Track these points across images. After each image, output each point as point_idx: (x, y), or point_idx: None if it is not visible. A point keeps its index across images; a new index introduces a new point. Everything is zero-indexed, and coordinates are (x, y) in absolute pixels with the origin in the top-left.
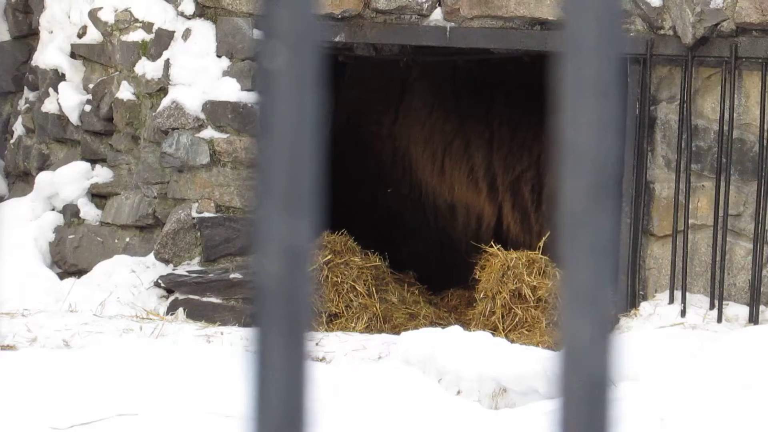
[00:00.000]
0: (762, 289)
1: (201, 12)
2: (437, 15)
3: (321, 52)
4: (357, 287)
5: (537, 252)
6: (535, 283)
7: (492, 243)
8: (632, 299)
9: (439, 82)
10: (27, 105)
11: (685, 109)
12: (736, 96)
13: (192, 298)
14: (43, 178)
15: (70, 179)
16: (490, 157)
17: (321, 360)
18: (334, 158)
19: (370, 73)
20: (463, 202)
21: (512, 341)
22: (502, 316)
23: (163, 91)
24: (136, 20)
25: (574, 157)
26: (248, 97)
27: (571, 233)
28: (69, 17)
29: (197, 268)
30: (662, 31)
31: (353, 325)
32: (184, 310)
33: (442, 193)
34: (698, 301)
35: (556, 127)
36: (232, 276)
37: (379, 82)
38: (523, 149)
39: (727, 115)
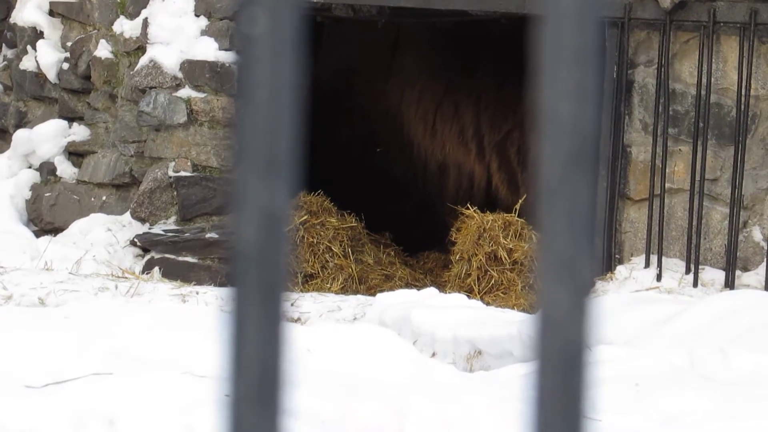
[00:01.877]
0: (738, 254)
1: None
2: None
3: (301, 16)
4: (333, 248)
5: (513, 215)
6: (511, 246)
7: (473, 204)
8: (608, 263)
9: (427, 44)
10: (5, 62)
11: (662, 73)
12: (714, 60)
13: (168, 257)
14: (20, 136)
15: (47, 137)
16: (477, 117)
17: (296, 321)
18: (320, 117)
19: (354, 33)
20: (455, 162)
21: (488, 304)
22: (478, 279)
23: (140, 49)
24: None
25: (551, 125)
26: (226, 57)
27: (549, 201)
28: None
29: (173, 227)
30: None
31: (329, 285)
32: (160, 269)
33: (433, 153)
34: (674, 266)
35: (534, 94)
36: (208, 236)
37: (368, 42)
38: (508, 110)
39: (704, 80)
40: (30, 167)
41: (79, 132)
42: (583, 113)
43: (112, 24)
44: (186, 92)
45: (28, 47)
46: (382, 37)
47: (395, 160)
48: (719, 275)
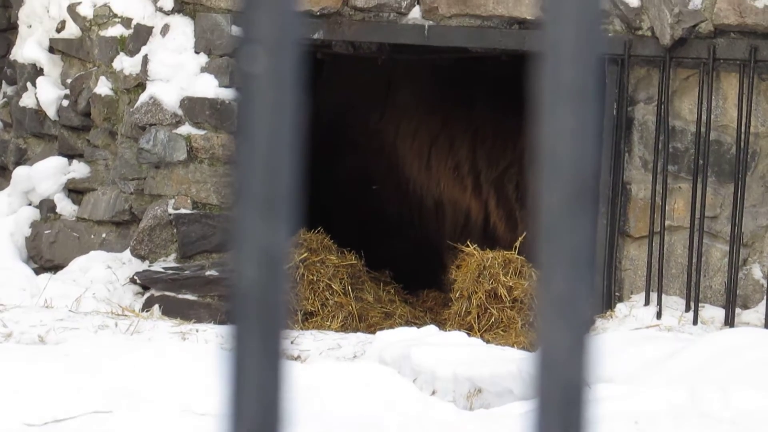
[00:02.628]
0: (738, 291)
1: (180, 8)
2: (416, 13)
3: (301, 54)
4: (333, 285)
5: (513, 252)
6: (511, 284)
7: (468, 242)
8: (608, 300)
9: (423, 79)
10: (5, 99)
11: (662, 110)
12: (713, 97)
13: (168, 295)
14: (20, 173)
15: (47, 174)
16: (474, 152)
17: (296, 359)
18: (318, 156)
19: (353, 69)
20: (451, 198)
21: (488, 341)
22: (478, 316)
23: (140, 86)
24: (115, 15)
25: (551, 163)
26: (226, 94)
27: (549, 239)
28: (48, 11)
29: (173, 264)
30: (640, 32)
31: (329, 323)
32: (160, 306)
33: (429, 189)
34: (674, 303)
35: (533, 132)
36: (208, 273)
37: (364, 78)
38: (506, 144)
39: (704, 117)
40: (30, 204)
41: (79, 169)
42: (583, 151)
43: (112, 61)
44: (186, 129)
45: (28, 84)
46: (376, 73)
47: (391, 197)
48: (719, 313)
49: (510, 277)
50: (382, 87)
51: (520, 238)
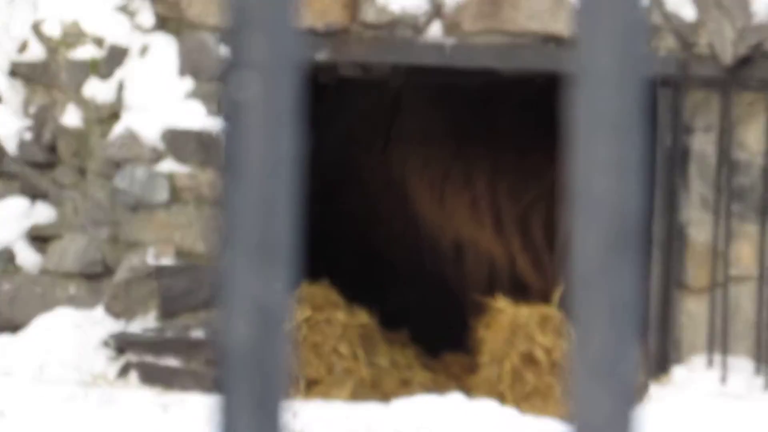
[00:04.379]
0: None
1: (161, 25)
2: (435, 30)
3: (301, 79)
4: (340, 348)
5: (551, 306)
6: (549, 345)
7: (496, 291)
8: (663, 363)
9: (433, 100)
10: None
11: (724, 140)
12: None
13: (147, 360)
14: None
15: (5, 219)
16: (494, 185)
17: None
18: (317, 195)
19: (355, 94)
20: (470, 240)
21: (524, 412)
22: (512, 384)
23: (115, 116)
24: (85, 34)
25: (587, 202)
26: (215, 124)
27: (584, 292)
28: (8, 30)
29: (153, 324)
30: (697, 50)
31: (336, 392)
32: (138, 373)
33: (444, 230)
34: (741, 366)
35: (567, 166)
36: (194, 335)
37: (366, 103)
38: (531, 175)
39: None
40: None
41: (43, 212)
42: (625, 188)
43: (82, 87)
44: (168, 166)
45: None
46: (381, 98)
47: (399, 239)
48: None
49: (548, 337)
50: (386, 112)
51: (558, 289)
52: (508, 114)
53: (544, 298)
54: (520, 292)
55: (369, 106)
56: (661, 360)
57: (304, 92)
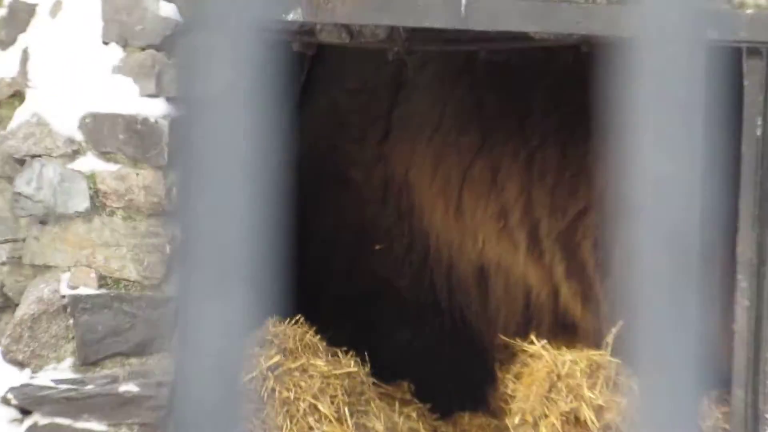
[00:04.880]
0: None
1: None
2: None
3: (271, 46)
4: (320, 407)
5: (604, 351)
6: (600, 401)
7: (532, 331)
8: (753, 422)
9: (449, 75)
10: None
11: None
12: None
13: (60, 423)
14: None
15: None
16: (529, 191)
17: None
18: (301, 200)
19: (342, 67)
20: (496, 263)
21: None
22: None
23: (17, 97)
24: None
25: (645, 211)
26: (152, 108)
27: (647, 329)
28: None
29: (69, 375)
30: None
31: None
32: None
33: (462, 249)
34: None
35: (619, 162)
36: (123, 389)
37: (358, 80)
38: (578, 180)
39: None
40: None
41: None
42: (692, 190)
43: None
44: (89, 163)
45: None
46: (377, 73)
47: (403, 261)
48: None
49: (599, 392)
50: (385, 91)
51: (613, 330)
52: (545, 95)
53: (595, 340)
54: (564, 333)
55: (361, 84)
56: (752, 418)
57: (279, 64)
